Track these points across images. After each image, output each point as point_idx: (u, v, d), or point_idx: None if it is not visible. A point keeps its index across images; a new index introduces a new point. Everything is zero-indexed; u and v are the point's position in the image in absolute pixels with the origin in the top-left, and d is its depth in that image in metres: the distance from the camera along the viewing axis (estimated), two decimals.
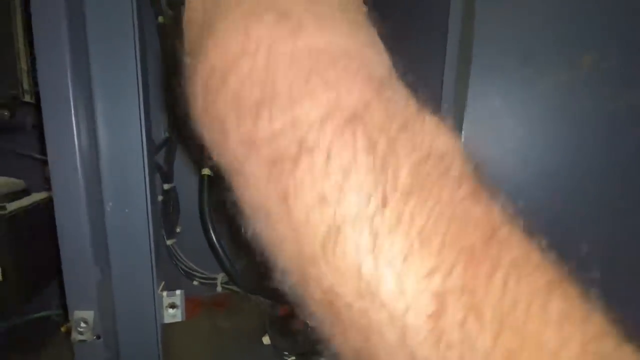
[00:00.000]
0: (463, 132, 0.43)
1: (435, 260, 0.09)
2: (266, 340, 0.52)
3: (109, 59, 0.33)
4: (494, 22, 0.42)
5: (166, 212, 0.57)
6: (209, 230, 0.46)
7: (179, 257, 0.60)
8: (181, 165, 0.58)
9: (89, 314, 0.34)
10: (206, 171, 0.49)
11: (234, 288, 0.60)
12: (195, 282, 0.61)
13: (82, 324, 0.34)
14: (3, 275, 0.40)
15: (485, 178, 0.11)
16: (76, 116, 0.31)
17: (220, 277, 0.60)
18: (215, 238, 0.46)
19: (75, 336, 0.34)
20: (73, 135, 0.31)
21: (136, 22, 0.33)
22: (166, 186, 0.55)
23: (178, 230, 0.60)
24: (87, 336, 0.35)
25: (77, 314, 0.34)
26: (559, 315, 0.09)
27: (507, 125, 0.45)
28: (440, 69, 0.44)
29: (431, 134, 0.11)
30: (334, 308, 0.10)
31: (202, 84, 0.11)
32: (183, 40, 0.14)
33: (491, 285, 0.09)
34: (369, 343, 0.09)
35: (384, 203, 0.09)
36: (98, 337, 0.36)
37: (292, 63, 0.10)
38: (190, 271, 0.60)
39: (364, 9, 0.13)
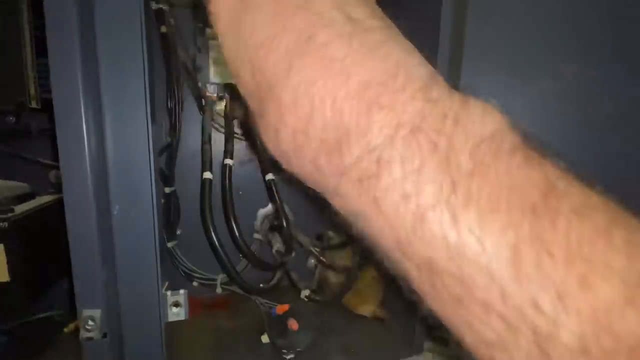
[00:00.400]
0: None
1: (505, 220, 0.11)
2: (265, 338, 0.54)
3: (117, 67, 0.35)
4: (483, 32, 0.44)
5: (167, 215, 0.58)
6: (211, 232, 0.47)
7: (179, 259, 0.61)
8: (181, 169, 0.60)
9: (97, 313, 0.36)
10: (207, 175, 0.51)
11: (233, 289, 0.61)
12: (195, 283, 0.62)
13: (90, 322, 0.36)
14: (11, 276, 0.42)
15: (534, 140, 0.13)
16: (87, 123, 0.33)
17: (220, 278, 0.62)
18: (217, 239, 0.47)
19: (83, 334, 0.36)
20: (84, 141, 0.33)
21: (144, 32, 0.35)
22: (167, 190, 0.57)
23: (178, 232, 0.62)
24: (95, 334, 0.36)
25: (85, 312, 0.35)
26: (622, 241, 0.11)
27: None
28: None
29: (479, 118, 0.13)
30: (432, 272, 0.12)
31: (289, 140, 0.14)
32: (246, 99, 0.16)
33: (556, 229, 0.11)
34: (465, 289, 0.12)
35: (454, 186, 0.12)
36: (104, 335, 0.37)
37: (352, 102, 0.12)
38: (190, 272, 0.62)
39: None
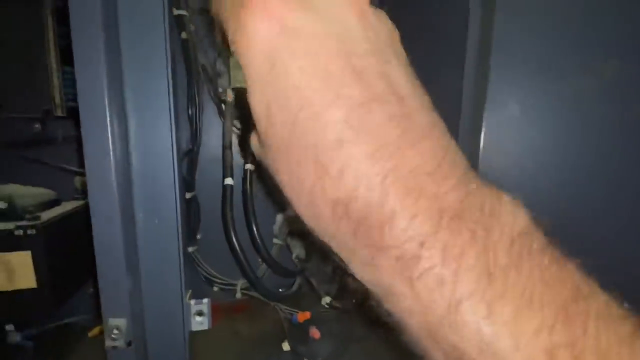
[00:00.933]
0: (482, 139, 0.43)
1: (539, 319, 0.11)
2: (286, 346, 0.53)
3: (142, 74, 0.35)
4: (512, 28, 0.42)
5: (187, 220, 0.58)
6: (232, 238, 0.47)
7: (199, 264, 0.61)
8: (200, 173, 0.60)
9: (122, 322, 0.36)
10: (228, 181, 0.50)
11: (253, 294, 0.61)
12: (215, 288, 0.62)
13: (115, 331, 0.36)
14: (38, 282, 0.42)
15: (556, 239, 0.14)
16: (112, 131, 0.33)
17: (240, 283, 0.61)
18: (238, 245, 0.47)
19: (109, 343, 0.36)
20: (109, 150, 0.33)
21: (168, 38, 0.34)
22: (188, 195, 0.57)
23: (198, 237, 0.62)
24: (120, 343, 0.36)
25: (111, 321, 0.35)
26: None
27: (526, 133, 0.45)
28: (460, 76, 0.45)
29: (511, 213, 0.13)
30: None
31: (326, 209, 0.14)
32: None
33: (587, 336, 0.11)
34: None
35: (490, 279, 0.12)
36: (129, 344, 0.37)
37: (399, 186, 0.13)
38: (211, 277, 0.62)
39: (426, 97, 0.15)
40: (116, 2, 0.33)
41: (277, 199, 0.64)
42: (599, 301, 0.12)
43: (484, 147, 0.43)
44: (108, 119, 0.33)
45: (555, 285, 0.12)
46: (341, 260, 0.15)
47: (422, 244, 0.12)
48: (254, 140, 0.17)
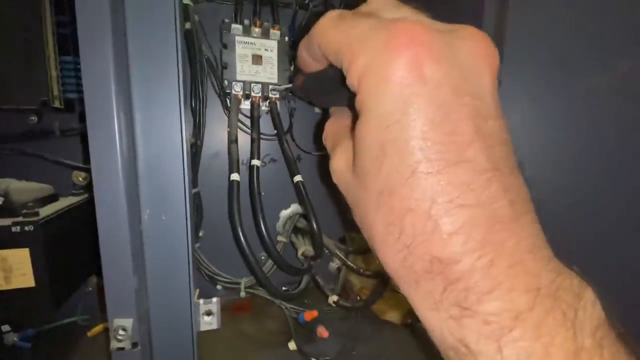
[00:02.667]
0: None
1: None
2: (292, 346, 0.52)
3: (150, 65, 0.33)
4: (526, 24, 0.41)
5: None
6: (239, 235, 0.46)
7: (202, 262, 0.60)
8: (204, 170, 0.58)
9: (128, 322, 0.34)
10: (235, 176, 0.49)
11: (258, 292, 0.60)
12: (218, 287, 0.60)
13: (121, 332, 0.34)
14: (36, 281, 0.40)
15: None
16: (119, 124, 0.31)
17: (244, 281, 0.60)
18: (246, 243, 0.45)
19: (114, 344, 0.34)
20: (116, 144, 0.31)
21: (178, 27, 0.33)
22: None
23: (201, 234, 0.60)
24: (126, 344, 0.35)
25: (117, 322, 0.34)
26: None
27: (538, 130, 0.45)
28: None
29: (593, 300, 0.14)
30: None
31: (426, 264, 0.14)
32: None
33: None
34: None
35: (577, 358, 0.13)
36: (135, 345, 0.36)
37: (503, 261, 0.13)
38: (214, 275, 0.60)
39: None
40: None
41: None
42: None
43: None
44: (115, 111, 0.31)
45: None
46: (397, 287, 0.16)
47: (517, 317, 0.13)
48: (340, 165, 0.17)
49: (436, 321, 0.14)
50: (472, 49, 0.14)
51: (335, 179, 0.18)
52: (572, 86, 0.43)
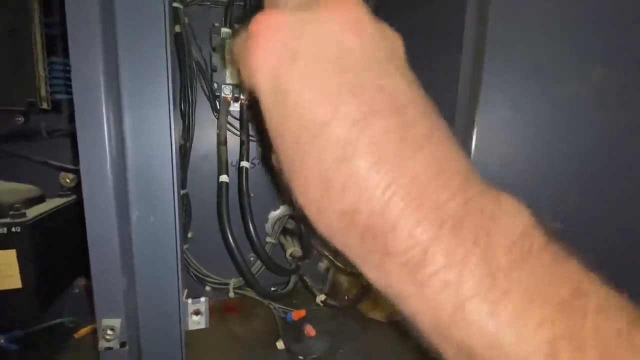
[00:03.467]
0: (474, 141, 0.44)
1: (540, 314, 0.12)
2: (280, 345, 0.53)
3: (139, 66, 0.34)
4: (505, 33, 0.43)
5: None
6: (228, 236, 0.46)
7: (190, 263, 0.60)
8: (193, 172, 0.58)
9: (117, 322, 0.35)
10: (224, 178, 0.49)
11: (247, 293, 0.60)
12: (207, 288, 0.61)
13: (109, 332, 0.34)
14: (23, 282, 0.40)
15: (556, 234, 0.14)
16: (108, 125, 0.32)
17: (233, 282, 0.60)
18: (234, 244, 0.46)
19: (103, 344, 0.35)
20: (105, 145, 0.32)
21: (167, 29, 0.33)
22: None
23: (190, 235, 0.61)
24: (114, 344, 0.35)
25: (105, 322, 0.34)
26: None
27: (517, 135, 0.47)
28: (455, 79, 0.46)
29: (511, 215, 0.14)
30: (469, 356, 0.13)
31: (334, 218, 0.14)
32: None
33: (585, 329, 0.12)
34: None
35: (493, 280, 0.13)
36: (123, 345, 0.36)
37: (400, 196, 0.13)
38: (202, 276, 0.60)
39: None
40: None
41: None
42: (599, 295, 0.13)
43: (475, 148, 0.44)
44: (104, 112, 0.32)
45: (555, 282, 0.13)
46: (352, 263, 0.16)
47: (425, 251, 0.13)
48: (274, 157, 0.18)
49: (373, 277, 0.15)
50: (330, 19, 0.15)
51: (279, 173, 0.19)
52: (550, 93, 0.45)
